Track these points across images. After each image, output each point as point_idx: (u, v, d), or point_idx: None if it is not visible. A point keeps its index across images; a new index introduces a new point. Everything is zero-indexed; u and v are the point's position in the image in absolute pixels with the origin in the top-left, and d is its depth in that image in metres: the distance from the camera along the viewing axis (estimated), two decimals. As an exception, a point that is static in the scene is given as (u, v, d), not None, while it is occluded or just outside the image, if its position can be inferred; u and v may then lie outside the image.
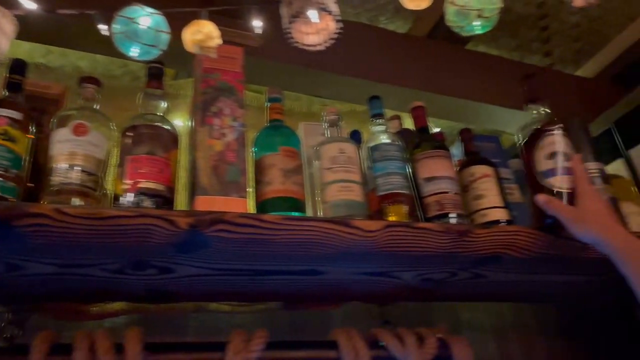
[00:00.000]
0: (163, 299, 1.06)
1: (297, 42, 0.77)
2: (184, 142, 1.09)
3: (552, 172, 0.98)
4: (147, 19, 0.76)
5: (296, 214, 0.94)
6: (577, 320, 1.45)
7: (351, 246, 0.90)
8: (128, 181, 0.86)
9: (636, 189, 1.28)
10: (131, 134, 0.91)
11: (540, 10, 1.55)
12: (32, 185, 0.88)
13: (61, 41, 1.28)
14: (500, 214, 1.08)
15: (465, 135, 1.20)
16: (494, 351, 1.38)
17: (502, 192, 1.11)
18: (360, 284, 1.09)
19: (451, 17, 0.80)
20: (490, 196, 1.09)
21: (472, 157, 1.16)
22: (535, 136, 1.02)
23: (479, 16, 0.77)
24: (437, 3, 0.90)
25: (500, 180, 1.12)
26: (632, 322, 1.39)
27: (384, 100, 1.30)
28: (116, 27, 0.75)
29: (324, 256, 0.93)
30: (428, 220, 1.04)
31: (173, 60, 1.08)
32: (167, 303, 1.09)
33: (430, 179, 1.06)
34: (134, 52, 0.77)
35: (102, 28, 0.74)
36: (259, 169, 0.99)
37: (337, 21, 0.73)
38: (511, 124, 1.55)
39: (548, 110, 1.06)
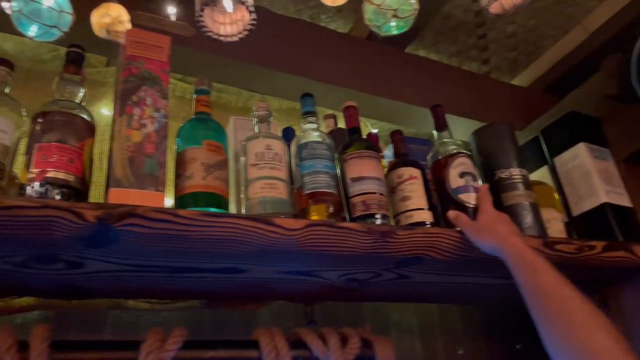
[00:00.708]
0: (76, 295, 1.01)
1: (211, 32, 0.74)
2: (108, 132, 1.05)
3: (463, 189, 1.10)
4: (48, -3, 0.72)
5: (216, 210, 0.92)
6: (499, 322, 1.49)
7: (272, 245, 0.89)
8: (34, 170, 0.81)
9: (558, 196, 1.32)
10: (41, 120, 0.86)
11: (479, 18, 1.58)
12: None
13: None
14: (426, 216, 1.09)
15: (396, 137, 1.20)
16: (419, 351, 1.39)
17: (429, 194, 1.12)
18: (284, 283, 1.07)
19: (369, 15, 0.80)
20: (416, 198, 1.10)
21: (401, 159, 1.16)
22: (448, 157, 1.14)
23: (395, 16, 0.77)
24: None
25: (427, 182, 1.14)
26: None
27: (321, 98, 1.29)
28: (14, 5, 0.71)
29: (245, 254, 0.91)
30: (354, 220, 1.04)
31: (106, 47, 1.04)
32: (81, 299, 1.04)
33: (357, 179, 1.06)
34: (32, 31, 0.73)
35: (5, 6, 0.69)
36: (181, 162, 0.96)
37: (252, 12, 0.71)
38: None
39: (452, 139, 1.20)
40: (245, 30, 0.75)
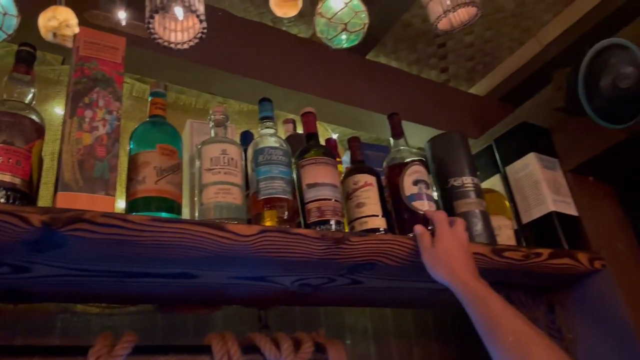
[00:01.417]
0: (22, 299, 0.98)
1: (160, 39, 0.74)
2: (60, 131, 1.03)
3: (417, 197, 1.12)
4: (-6, -1, 0.70)
5: (168, 215, 0.91)
6: (451, 326, 1.52)
7: (225, 251, 0.89)
8: (-22, 172, 0.79)
9: (509, 204, 1.36)
10: (-13, 121, 0.83)
11: (438, 27, 1.61)
12: None
13: None
14: (380, 223, 1.11)
15: (353, 144, 1.22)
16: (374, 355, 1.41)
17: (383, 201, 1.14)
18: (238, 288, 1.07)
19: (320, 27, 0.82)
20: (371, 205, 1.12)
21: (358, 166, 1.18)
22: (402, 164, 1.16)
23: (345, 30, 0.78)
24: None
25: (382, 189, 1.16)
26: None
27: (281, 103, 1.30)
28: (-45, 4, 0.69)
29: (198, 260, 0.91)
30: (309, 226, 1.05)
31: (61, 45, 1.01)
32: (28, 303, 1.01)
33: (313, 186, 1.07)
34: (-26, 33, 0.71)
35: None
36: (133, 166, 0.95)
37: (202, 21, 0.71)
38: (406, 135, 1.61)
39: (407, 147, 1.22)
40: (195, 38, 0.75)
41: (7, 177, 0.81)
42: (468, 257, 0.96)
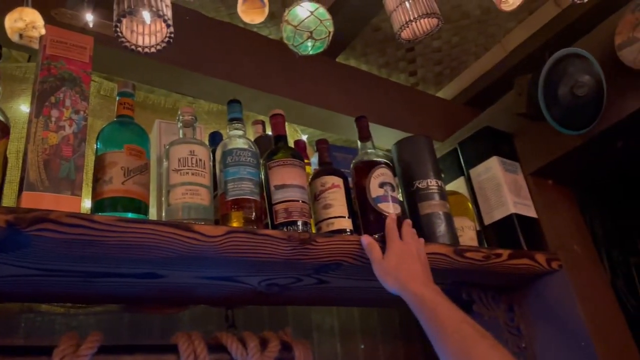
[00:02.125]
0: (-16, 299, 0.97)
1: (127, 42, 0.74)
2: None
3: (382, 199, 1.14)
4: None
5: (135, 215, 0.92)
6: (415, 324, 1.56)
7: (192, 251, 0.90)
8: (-61, 172, 0.78)
9: (472, 206, 1.41)
10: (-52, 119, 0.82)
11: (406, 32, 1.64)
12: None
13: None
14: (346, 224, 1.13)
15: (321, 146, 1.24)
16: (340, 353, 1.44)
17: (350, 202, 1.16)
18: (205, 288, 1.08)
19: (287, 34, 0.84)
20: (337, 206, 1.14)
21: (325, 168, 1.20)
22: (369, 167, 1.18)
23: (311, 37, 0.80)
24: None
25: (349, 191, 1.18)
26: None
27: (251, 104, 1.30)
28: None
29: (165, 260, 0.91)
30: (276, 227, 1.06)
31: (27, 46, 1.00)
32: (-10, 304, 1.00)
33: (281, 187, 1.09)
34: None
35: None
36: (100, 166, 0.95)
37: (169, 26, 0.72)
38: (375, 137, 1.64)
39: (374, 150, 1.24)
40: (163, 42, 0.75)
41: (-30, 177, 0.80)
42: (417, 265, 0.98)
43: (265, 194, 1.11)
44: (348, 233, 1.11)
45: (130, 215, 0.90)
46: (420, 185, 1.24)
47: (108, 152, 0.96)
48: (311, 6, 0.81)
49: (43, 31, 0.73)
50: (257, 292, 1.14)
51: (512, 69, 1.74)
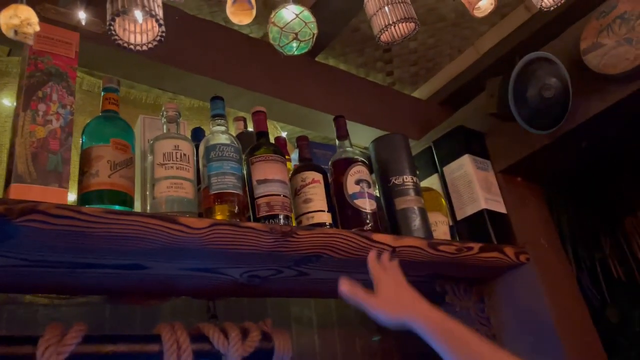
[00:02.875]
0: (-33, 290, 0.98)
1: (120, 40, 0.77)
2: (9, 124, 1.03)
3: (359, 195, 1.20)
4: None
5: (121, 208, 0.94)
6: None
7: (177, 242, 0.93)
8: None
9: (445, 201, 1.47)
10: (-63, 111, 0.84)
11: (384, 33, 1.69)
12: None
13: None
14: (326, 218, 1.18)
15: (301, 142, 1.28)
16: (318, 345, 1.48)
17: (329, 197, 1.21)
18: (188, 279, 1.11)
19: (273, 35, 0.88)
20: (317, 200, 1.18)
21: (306, 163, 1.24)
22: (346, 164, 1.23)
23: (296, 39, 0.84)
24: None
25: (328, 186, 1.22)
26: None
27: (232, 101, 1.33)
28: None
29: (150, 252, 0.94)
30: (258, 220, 1.10)
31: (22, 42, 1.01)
32: (-27, 295, 1.02)
33: (263, 182, 1.12)
34: None
35: None
36: (86, 159, 0.97)
37: (161, 25, 0.75)
38: (352, 135, 1.69)
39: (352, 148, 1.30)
40: (155, 40, 0.78)
41: (-42, 168, 0.82)
42: (410, 289, 0.95)
43: (247, 188, 1.14)
44: (327, 226, 1.16)
45: (116, 207, 0.93)
46: (396, 182, 1.29)
47: (94, 145, 0.98)
48: (296, 9, 0.85)
49: (37, 28, 0.75)
50: (239, 283, 1.17)
51: (484, 71, 1.80)
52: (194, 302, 1.28)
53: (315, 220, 1.16)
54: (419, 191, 1.30)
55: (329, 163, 1.27)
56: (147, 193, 1.03)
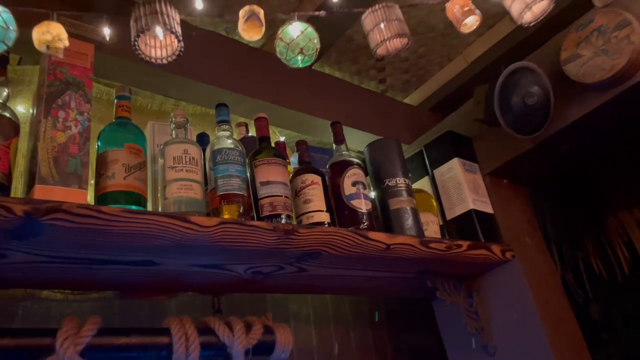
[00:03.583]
0: (-8, 285, 1.05)
1: (143, 54, 0.84)
2: (24, 129, 1.10)
3: (355, 196, 1.29)
4: (-5, 15, 0.78)
5: (136, 207, 1.01)
6: (385, 313, 1.70)
7: (188, 240, 1.00)
8: (-39, 166, 0.86)
9: (435, 202, 1.55)
10: (-32, 119, 0.90)
11: (377, 42, 1.78)
12: None
13: None
14: (324, 217, 1.25)
15: (301, 147, 1.36)
16: (315, 339, 1.56)
17: (328, 198, 1.28)
18: (195, 275, 1.18)
19: (280, 49, 0.96)
20: (316, 201, 1.26)
21: (305, 166, 1.32)
22: (343, 167, 1.32)
23: (301, 53, 0.93)
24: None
25: (327, 187, 1.30)
26: (430, 314, 1.67)
27: (234, 107, 1.41)
28: (-39, 19, 0.77)
29: (162, 248, 1.01)
30: (261, 219, 1.17)
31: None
32: (-4, 290, 1.08)
33: (265, 183, 1.20)
34: (-20, 44, 0.79)
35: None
36: (102, 163, 1.04)
37: (180, 41, 0.82)
38: (347, 139, 1.77)
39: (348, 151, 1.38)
40: (174, 55, 0.86)
41: (-12, 171, 0.89)
42: None
43: (251, 190, 1.21)
44: (326, 225, 1.23)
45: (132, 207, 1.00)
46: (389, 183, 1.37)
47: (110, 150, 1.05)
48: (301, 26, 0.93)
49: (67, 43, 0.82)
50: (243, 279, 1.24)
51: (472, 79, 1.89)
52: (198, 299, 1.35)
53: (315, 220, 1.24)
54: (411, 192, 1.38)
55: (327, 166, 1.35)
56: (159, 194, 1.10)
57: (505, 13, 1.79)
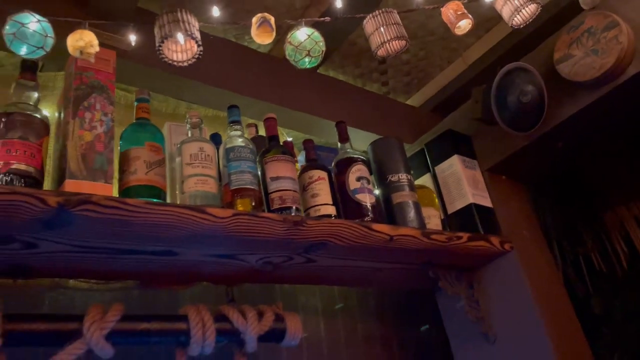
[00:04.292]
0: (23, 274, 1.12)
1: (166, 58, 0.93)
2: (51, 131, 1.18)
3: (360, 190, 1.36)
4: (35, 24, 0.87)
5: (156, 200, 1.09)
6: (390, 304, 1.77)
7: (204, 230, 1.07)
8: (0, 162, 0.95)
9: (437, 198, 1.62)
10: (5, 119, 0.99)
11: (379, 46, 1.86)
12: None
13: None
14: (331, 210, 1.33)
15: (307, 145, 1.44)
16: (322, 330, 1.63)
17: (333, 192, 1.36)
18: (210, 265, 1.25)
19: (289, 52, 1.04)
20: (323, 195, 1.34)
21: (312, 163, 1.40)
22: (348, 164, 1.40)
23: (308, 55, 1.01)
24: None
25: (332, 183, 1.38)
26: (434, 307, 1.74)
27: (244, 109, 1.49)
28: (7, 28, 0.86)
29: (181, 238, 1.09)
30: (272, 212, 1.25)
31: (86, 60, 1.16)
32: (27, 279, 1.16)
33: (275, 179, 1.28)
34: (23, 51, 0.87)
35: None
36: (125, 160, 1.12)
37: (199, 45, 0.91)
38: (351, 139, 1.84)
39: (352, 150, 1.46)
40: (193, 58, 0.94)
41: (23, 167, 0.97)
42: None
43: (261, 185, 1.29)
44: (333, 217, 1.31)
45: (154, 200, 1.08)
46: (392, 179, 1.45)
47: (132, 148, 1.13)
48: (308, 31, 1.02)
49: (98, 49, 0.91)
50: (254, 270, 1.31)
51: (471, 80, 1.97)
52: (211, 289, 1.43)
53: (322, 212, 1.32)
54: (413, 187, 1.46)
55: (333, 163, 1.43)
56: (177, 189, 1.18)
57: (502, 17, 1.88)
